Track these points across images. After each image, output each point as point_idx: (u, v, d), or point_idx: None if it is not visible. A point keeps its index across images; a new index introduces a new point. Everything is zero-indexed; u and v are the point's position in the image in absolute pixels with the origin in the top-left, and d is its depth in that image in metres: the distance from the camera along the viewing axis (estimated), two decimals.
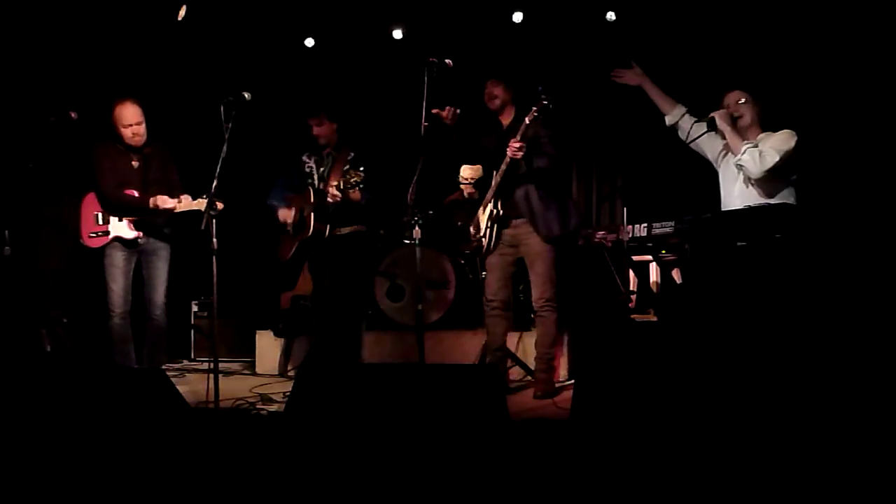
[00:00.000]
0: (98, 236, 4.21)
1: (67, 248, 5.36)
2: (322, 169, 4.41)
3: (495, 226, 4.06)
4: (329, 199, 4.15)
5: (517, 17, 5.47)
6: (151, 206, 4.13)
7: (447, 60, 3.73)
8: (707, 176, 3.94)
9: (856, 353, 2.64)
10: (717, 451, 2.29)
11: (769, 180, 3.51)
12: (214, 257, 3.66)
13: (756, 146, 3.49)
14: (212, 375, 3.56)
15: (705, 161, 3.89)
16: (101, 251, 4.20)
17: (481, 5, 5.45)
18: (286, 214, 4.38)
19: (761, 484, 2.20)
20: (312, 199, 4.28)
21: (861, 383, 2.45)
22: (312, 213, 4.25)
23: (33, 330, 4.89)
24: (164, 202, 4.11)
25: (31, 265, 5.14)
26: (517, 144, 3.82)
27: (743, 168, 3.52)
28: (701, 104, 3.81)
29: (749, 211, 3.38)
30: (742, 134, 3.61)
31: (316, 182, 4.39)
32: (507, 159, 3.88)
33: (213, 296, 3.61)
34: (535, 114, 3.79)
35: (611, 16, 5.29)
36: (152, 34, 5.36)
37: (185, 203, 4.10)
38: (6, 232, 4.58)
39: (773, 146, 3.47)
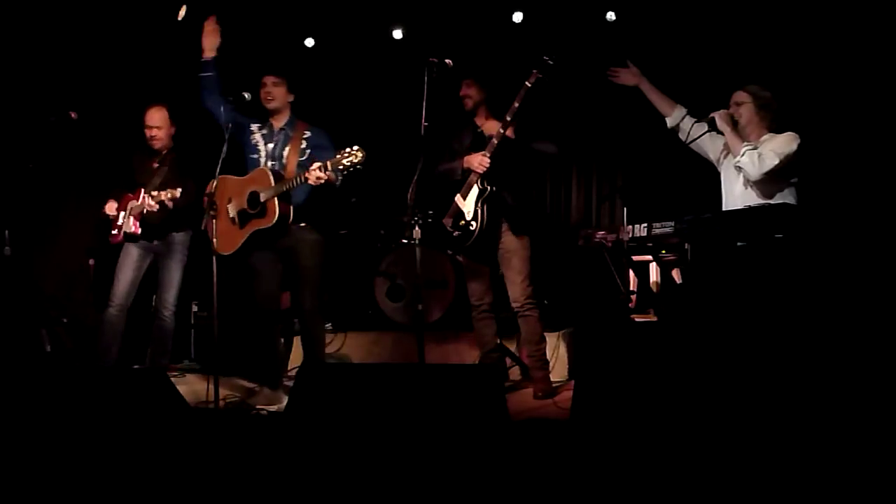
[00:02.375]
0: (116, 234, 4.32)
1: (68, 247, 5.38)
2: (272, 146, 3.94)
3: (486, 205, 3.95)
4: (311, 182, 3.64)
5: (517, 17, 5.47)
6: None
7: (447, 60, 3.73)
8: (707, 176, 3.94)
9: (856, 353, 2.64)
10: (717, 451, 2.29)
11: (769, 182, 3.50)
12: (214, 257, 3.66)
13: (755, 148, 3.49)
14: (212, 375, 3.56)
15: (705, 161, 3.89)
16: (119, 246, 4.31)
17: (481, 5, 5.45)
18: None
19: (761, 484, 2.20)
20: (273, 182, 3.77)
21: (861, 383, 2.46)
22: (277, 198, 3.75)
23: (33, 330, 4.89)
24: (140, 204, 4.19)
25: (31, 265, 5.14)
26: (508, 119, 3.84)
27: (742, 170, 3.52)
28: (702, 104, 3.81)
29: (749, 211, 3.39)
30: (745, 134, 3.60)
31: (263, 160, 3.93)
32: (499, 133, 3.85)
33: (214, 295, 3.61)
34: (538, 75, 3.80)
35: (611, 16, 5.30)
36: (152, 34, 5.36)
37: (160, 197, 4.09)
38: (6, 232, 4.59)
39: (774, 149, 3.46)
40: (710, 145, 3.79)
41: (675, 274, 4.10)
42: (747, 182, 3.55)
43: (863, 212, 4.23)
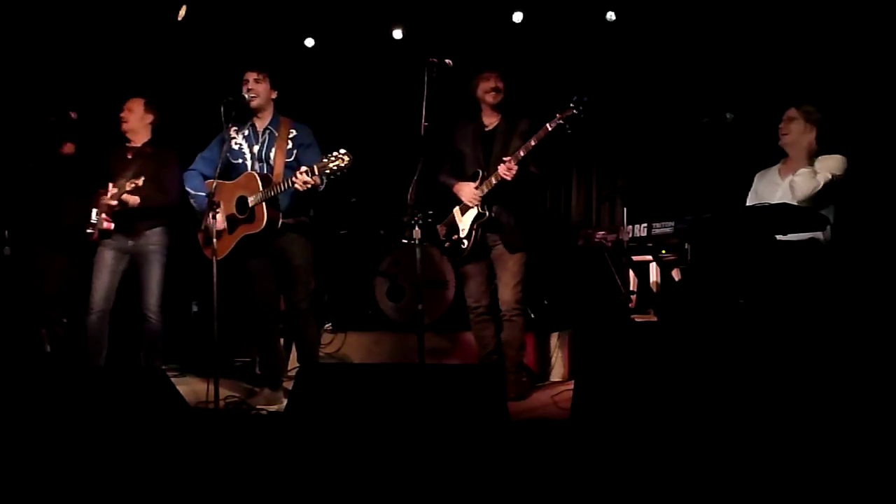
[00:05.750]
0: (92, 233, 4.21)
1: (67, 248, 5.36)
2: (258, 147, 3.91)
3: (481, 229, 3.98)
4: (298, 187, 3.60)
5: (517, 17, 5.47)
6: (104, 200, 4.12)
7: (447, 60, 3.72)
8: (707, 176, 3.94)
9: (856, 353, 2.64)
10: (716, 451, 2.29)
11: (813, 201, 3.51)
12: (214, 257, 3.65)
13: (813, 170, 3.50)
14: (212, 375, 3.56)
15: (705, 161, 3.89)
16: (93, 249, 4.20)
17: (481, 5, 5.45)
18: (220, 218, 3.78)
19: (761, 484, 2.20)
20: (261, 186, 3.75)
21: (861, 383, 2.45)
22: (265, 204, 3.72)
23: (33, 330, 4.88)
24: (107, 199, 4.08)
25: (31, 265, 5.13)
26: (508, 166, 3.75)
27: (794, 188, 3.51)
28: (703, 104, 3.81)
29: (749, 211, 3.38)
30: (793, 154, 3.63)
31: (250, 163, 3.90)
32: (499, 175, 3.81)
33: (214, 295, 3.61)
34: (560, 121, 3.67)
35: (611, 16, 5.30)
36: (152, 34, 5.36)
37: (125, 187, 4.00)
38: (6, 232, 4.57)
39: (828, 168, 3.50)
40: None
41: (675, 274, 4.09)
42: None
43: (863, 212, 4.22)
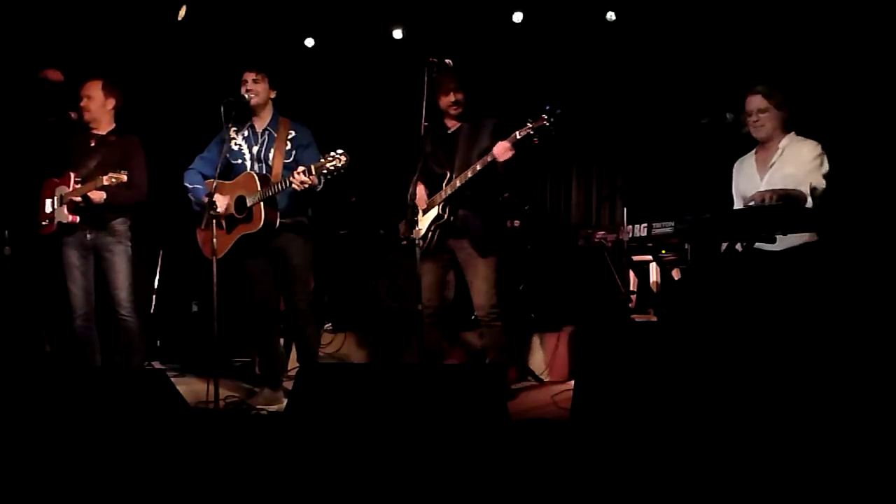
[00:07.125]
0: (47, 225, 4.07)
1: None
2: (257, 148, 3.92)
3: (439, 231, 3.90)
4: (295, 187, 3.61)
5: (517, 17, 5.48)
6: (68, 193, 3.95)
7: (447, 60, 3.72)
8: (707, 176, 3.93)
9: (855, 354, 2.64)
10: (717, 451, 2.29)
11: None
12: (214, 257, 3.66)
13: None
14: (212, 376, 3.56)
15: (705, 161, 3.89)
16: (58, 251, 4.06)
17: (481, 5, 5.46)
18: (221, 203, 3.80)
19: (761, 484, 2.20)
20: (259, 186, 3.76)
21: (861, 383, 2.46)
22: (263, 203, 3.74)
23: (33, 330, 4.87)
24: (70, 193, 3.91)
25: (31, 265, 5.13)
26: (508, 146, 3.65)
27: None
28: (702, 103, 3.81)
29: (749, 211, 3.38)
30: (768, 142, 3.59)
31: (249, 164, 3.91)
32: (476, 167, 3.74)
33: (213, 295, 3.60)
34: (530, 131, 3.59)
35: (611, 16, 5.30)
36: (152, 34, 5.36)
37: (85, 189, 3.84)
38: (6, 232, 4.56)
39: (821, 177, 3.46)
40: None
41: (675, 274, 4.10)
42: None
43: (862, 212, 4.22)
